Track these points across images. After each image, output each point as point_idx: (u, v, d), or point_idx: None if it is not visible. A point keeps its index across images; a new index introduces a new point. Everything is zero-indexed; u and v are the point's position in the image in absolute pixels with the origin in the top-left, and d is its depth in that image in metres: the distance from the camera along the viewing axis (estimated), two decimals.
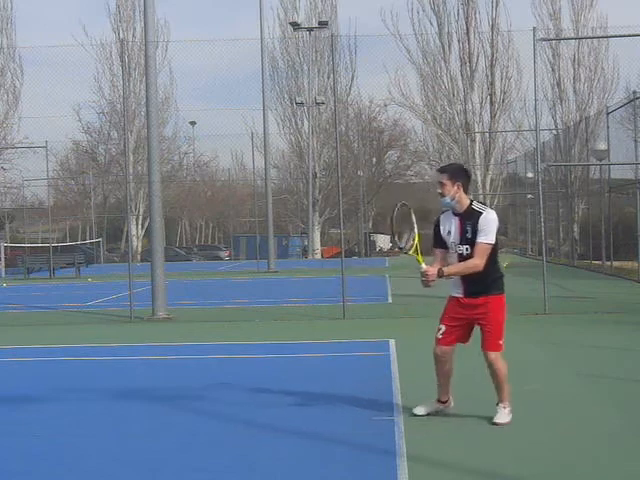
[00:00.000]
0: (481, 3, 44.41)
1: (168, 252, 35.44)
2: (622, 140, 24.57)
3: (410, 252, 6.55)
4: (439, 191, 6.51)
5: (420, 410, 6.74)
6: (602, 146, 24.82)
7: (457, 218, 6.51)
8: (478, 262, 6.36)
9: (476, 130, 44.53)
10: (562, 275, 23.04)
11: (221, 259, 54.14)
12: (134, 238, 50.88)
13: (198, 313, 16.33)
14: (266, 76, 37.20)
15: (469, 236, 6.41)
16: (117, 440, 6.48)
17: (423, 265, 6.40)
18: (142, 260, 45.01)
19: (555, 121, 40.63)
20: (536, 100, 15.71)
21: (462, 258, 6.46)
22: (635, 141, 22.71)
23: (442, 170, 6.63)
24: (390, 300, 18.22)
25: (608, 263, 24.96)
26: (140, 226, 53.36)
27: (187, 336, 12.86)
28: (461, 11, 44.42)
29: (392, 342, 11.03)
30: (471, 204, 6.50)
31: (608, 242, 24.58)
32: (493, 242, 6.40)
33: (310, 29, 49.74)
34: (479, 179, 44.45)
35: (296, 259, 50.99)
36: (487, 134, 44.96)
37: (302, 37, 51.09)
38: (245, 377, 9.15)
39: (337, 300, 15.25)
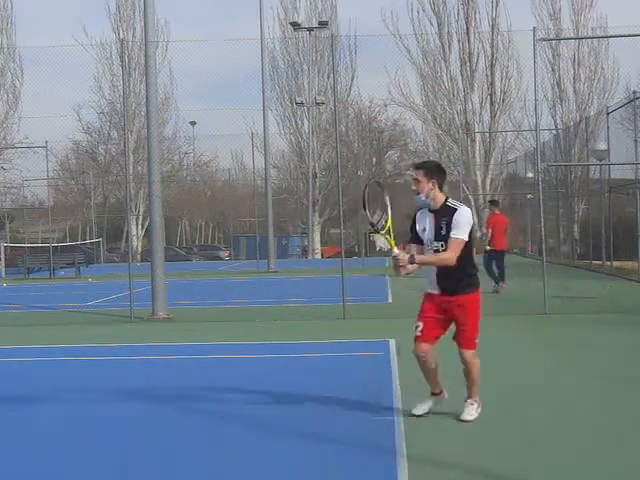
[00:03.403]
0: (481, 3, 44.49)
1: (168, 252, 35.41)
2: (622, 140, 24.56)
3: (382, 232, 6.53)
4: (414, 188, 6.52)
5: (418, 410, 6.74)
6: (602, 146, 24.81)
7: (432, 215, 6.53)
8: (450, 255, 6.38)
9: (476, 130, 44.55)
10: (562, 275, 23.03)
11: (221, 259, 54.13)
12: (134, 238, 50.89)
13: (198, 313, 16.33)
14: (266, 76, 37.21)
15: (443, 232, 6.44)
16: (117, 440, 6.47)
17: (395, 249, 6.40)
18: (142, 260, 45.01)
19: (555, 121, 40.66)
20: (536, 100, 15.71)
21: (437, 254, 6.50)
22: (635, 141, 22.70)
23: (418, 167, 6.62)
24: (390, 300, 18.21)
25: (608, 263, 24.95)
26: (140, 226, 53.37)
27: (187, 336, 12.85)
28: (461, 11, 44.49)
29: (392, 342, 11.03)
30: (446, 201, 6.52)
31: (608, 242, 24.56)
32: (465, 238, 6.43)
33: (310, 29, 49.74)
34: (479, 179, 44.47)
35: (296, 259, 50.99)
36: (487, 134, 44.98)
37: (302, 37, 51.10)
38: (245, 377, 9.15)
39: (337, 300, 15.25)
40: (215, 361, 10.58)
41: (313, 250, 52.04)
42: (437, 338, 6.65)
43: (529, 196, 36.21)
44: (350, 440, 6.17)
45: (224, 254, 56.76)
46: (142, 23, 28.05)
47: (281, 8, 51.96)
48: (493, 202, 20.46)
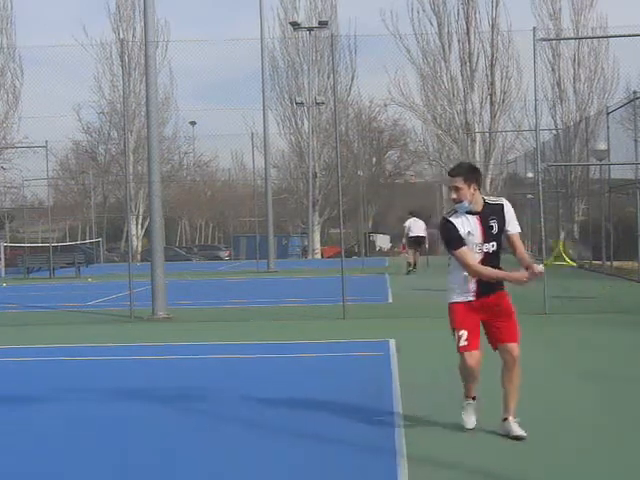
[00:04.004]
0: (481, 3, 44.42)
1: (168, 252, 35.39)
2: (622, 140, 24.56)
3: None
4: (454, 197, 6.12)
5: (470, 423, 6.34)
6: (602, 146, 24.80)
7: (475, 217, 6.14)
8: (524, 249, 6.24)
9: (476, 130, 44.53)
10: (562, 275, 23.01)
11: (221, 259, 54.14)
12: (134, 238, 50.86)
13: (198, 313, 16.32)
14: (266, 76, 37.19)
15: (495, 232, 6.14)
16: (116, 440, 6.47)
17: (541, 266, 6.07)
18: (142, 260, 45.00)
19: (555, 121, 40.64)
20: (536, 100, 15.71)
21: (488, 256, 6.13)
22: (635, 141, 22.70)
23: (455, 174, 6.16)
24: (390, 300, 18.21)
25: (608, 263, 24.95)
26: (140, 226, 53.34)
27: (187, 336, 12.85)
28: (461, 11, 44.44)
29: (392, 342, 11.03)
30: (484, 200, 6.21)
31: (608, 242, 24.57)
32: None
33: (310, 29, 49.74)
34: None
35: (296, 259, 50.98)
36: (487, 134, 44.96)
37: (302, 37, 51.09)
38: (245, 377, 9.16)
39: (337, 300, 15.24)
40: (214, 361, 10.58)
41: (313, 250, 52.04)
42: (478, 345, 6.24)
43: (529, 196, 36.17)
44: (350, 440, 6.17)
45: (224, 254, 56.75)
46: (142, 23, 27.97)
47: (281, 8, 51.98)
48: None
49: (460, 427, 6.37)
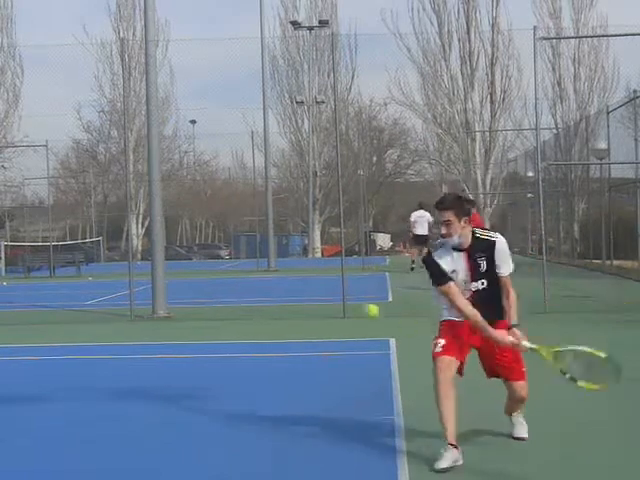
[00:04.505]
0: (481, 2, 44.38)
1: (168, 251, 35.45)
2: (622, 139, 24.57)
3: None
4: (444, 232, 5.61)
5: (439, 464, 5.40)
6: (602, 145, 24.81)
7: (461, 254, 5.66)
8: (514, 294, 5.73)
9: (476, 129, 44.50)
10: (562, 274, 23.02)
11: (221, 258, 54.15)
12: (134, 237, 50.89)
13: (198, 312, 16.33)
14: (266, 75, 37.21)
15: (483, 269, 5.65)
16: (117, 439, 6.47)
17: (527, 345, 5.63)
18: (142, 259, 45.01)
19: (555, 120, 40.59)
20: (536, 99, 15.73)
21: (478, 293, 5.67)
22: (635, 140, 22.71)
23: (443, 208, 5.64)
24: (390, 299, 18.21)
25: (608, 262, 24.95)
26: (140, 225, 53.36)
27: (187, 335, 12.86)
28: (461, 10, 44.41)
29: (392, 341, 11.03)
30: (474, 234, 5.70)
31: (608, 241, 24.57)
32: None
33: (310, 28, 49.78)
34: (479, 178, 44.44)
35: (296, 258, 50.99)
36: (487, 133, 44.94)
37: (302, 36, 51.12)
38: (244, 376, 9.16)
39: (337, 299, 15.25)
40: (215, 360, 10.59)
41: (313, 249, 52.06)
42: (461, 363, 5.69)
43: (529, 195, 36.21)
44: (350, 440, 6.17)
45: (224, 253, 56.77)
46: (142, 22, 28.05)
47: (281, 7, 52.03)
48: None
49: (460, 427, 6.37)
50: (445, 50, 44.41)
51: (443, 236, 5.66)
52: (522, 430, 6.05)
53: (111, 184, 60.05)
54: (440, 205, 5.69)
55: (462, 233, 5.61)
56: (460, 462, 5.43)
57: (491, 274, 5.69)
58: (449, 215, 5.60)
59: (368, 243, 54.29)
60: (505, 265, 5.71)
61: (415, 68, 44.52)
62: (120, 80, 47.76)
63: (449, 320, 5.78)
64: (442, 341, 5.66)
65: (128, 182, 31.02)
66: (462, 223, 5.61)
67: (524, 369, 5.85)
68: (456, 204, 5.68)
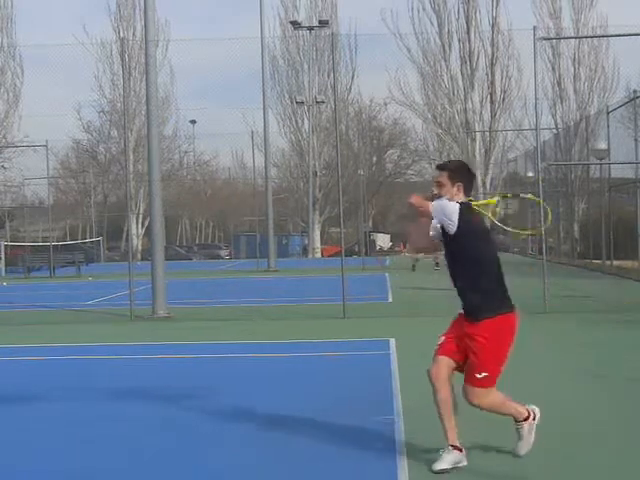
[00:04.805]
0: (481, 2, 44.48)
1: (168, 251, 35.45)
2: (622, 139, 24.59)
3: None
4: (435, 192, 5.50)
5: (437, 465, 5.37)
6: (602, 145, 24.82)
7: None
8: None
9: (476, 129, 44.55)
10: (562, 274, 23.02)
11: (221, 258, 54.16)
12: (134, 237, 50.91)
13: (198, 312, 16.33)
14: (266, 75, 37.24)
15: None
16: (116, 439, 6.47)
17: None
18: (142, 259, 45.02)
19: (555, 120, 40.62)
20: (536, 99, 15.73)
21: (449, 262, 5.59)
22: (635, 140, 22.73)
23: (441, 167, 5.60)
24: (390, 299, 18.22)
25: (608, 262, 24.95)
26: (140, 225, 53.41)
27: (187, 335, 12.86)
28: (461, 10, 44.48)
29: (392, 341, 11.03)
30: (468, 204, 5.52)
31: (608, 241, 24.58)
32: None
33: (310, 28, 49.81)
34: (479, 178, 44.45)
35: (296, 258, 51.00)
36: (487, 133, 44.98)
37: (302, 36, 51.17)
38: (244, 376, 9.16)
39: (337, 299, 15.25)
40: (214, 360, 10.58)
41: (313, 249, 52.08)
42: (456, 363, 5.45)
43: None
44: (350, 440, 6.17)
45: (224, 253, 56.79)
46: (142, 22, 28.05)
47: (281, 7, 52.11)
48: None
49: (459, 427, 6.37)
50: (445, 50, 44.47)
51: (434, 196, 5.52)
52: (519, 445, 5.68)
53: (111, 184, 60.08)
54: (439, 165, 5.70)
55: (453, 199, 5.44)
56: (464, 463, 5.41)
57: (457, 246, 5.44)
58: (442, 176, 5.52)
59: (368, 243, 54.35)
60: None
61: (415, 68, 44.61)
62: (120, 80, 47.81)
63: (459, 312, 5.60)
64: (442, 338, 5.56)
65: (128, 182, 31.02)
66: (455, 189, 5.48)
67: (482, 377, 5.41)
68: (453, 167, 5.60)
